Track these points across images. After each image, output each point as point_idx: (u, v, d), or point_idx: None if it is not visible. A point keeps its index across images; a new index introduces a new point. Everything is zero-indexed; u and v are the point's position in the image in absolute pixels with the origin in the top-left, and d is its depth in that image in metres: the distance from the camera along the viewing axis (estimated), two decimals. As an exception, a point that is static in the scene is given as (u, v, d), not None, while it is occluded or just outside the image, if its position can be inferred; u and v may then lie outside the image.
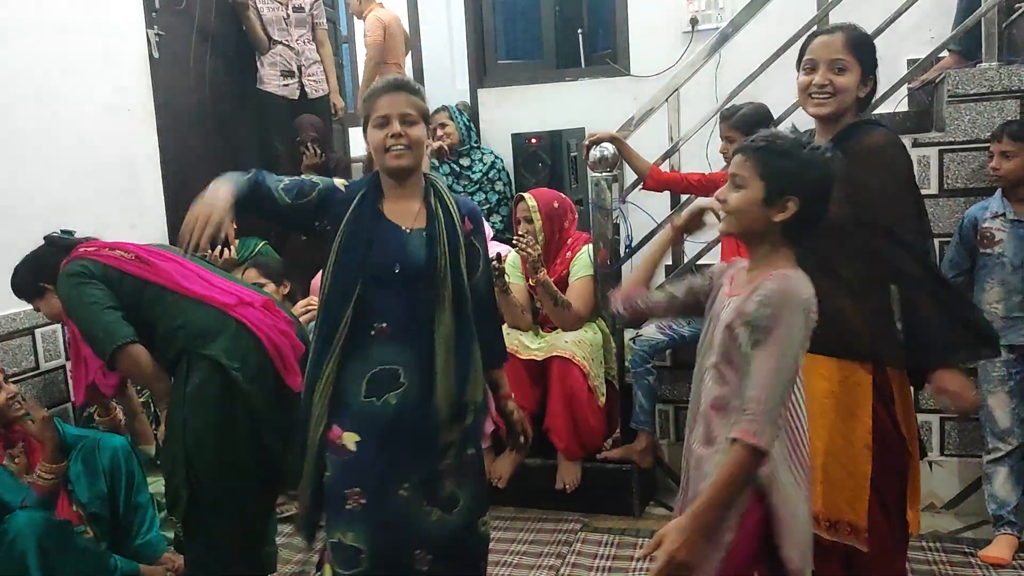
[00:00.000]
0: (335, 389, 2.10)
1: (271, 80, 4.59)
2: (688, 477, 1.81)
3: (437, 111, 4.76)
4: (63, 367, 3.39)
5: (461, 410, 2.14)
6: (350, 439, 2.09)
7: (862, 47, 2.12)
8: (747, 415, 1.61)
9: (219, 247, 2.44)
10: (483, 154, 4.77)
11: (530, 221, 3.53)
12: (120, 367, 2.34)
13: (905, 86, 3.59)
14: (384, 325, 2.10)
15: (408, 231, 2.14)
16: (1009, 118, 3.11)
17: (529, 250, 3.35)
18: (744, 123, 3.17)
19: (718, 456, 1.69)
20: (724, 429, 1.69)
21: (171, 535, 3.41)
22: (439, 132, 4.67)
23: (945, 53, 3.65)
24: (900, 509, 2.12)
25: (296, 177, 2.22)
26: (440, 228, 2.14)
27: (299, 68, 4.64)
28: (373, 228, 2.12)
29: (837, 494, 2.05)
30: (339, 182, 2.20)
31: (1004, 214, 3.02)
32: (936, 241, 3.26)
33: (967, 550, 3.00)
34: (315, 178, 2.21)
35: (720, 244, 3.44)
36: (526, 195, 3.58)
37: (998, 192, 3.07)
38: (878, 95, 3.37)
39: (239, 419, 2.35)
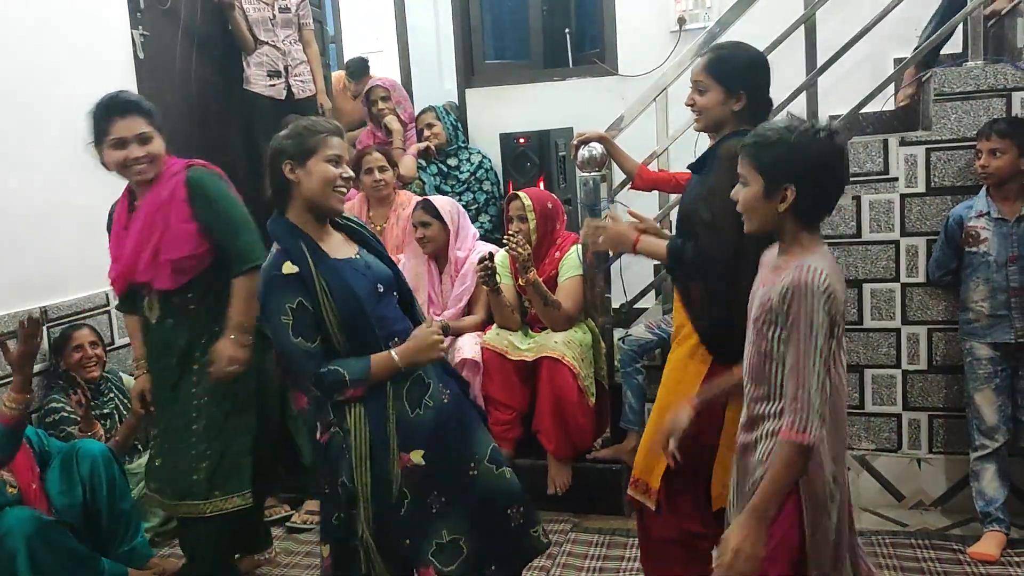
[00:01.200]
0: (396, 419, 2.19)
1: (258, 80, 4.57)
2: (736, 464, 1.92)
3: (424, 111, 4.75)
4: (48, 370, 3.37)
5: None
6: (417, 455, 2.17)
7: (718, 67, 2.29)
8: (789, 413, 1.68)
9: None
10: (471, 154, 4.76)
11: (524, 220, 3.52)
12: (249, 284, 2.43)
13: (891, 85, 3.61)
14: (396, 340, 2.21)
15: (356, 257, 2.26)
16: (995, 116, 3.12)
17: (519, 249, 3.34)
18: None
19: (762, 444, 1.78)
20: (765, 419, 1.79)
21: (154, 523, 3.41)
22: (426, 132, 4.66)
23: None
24: (704, 481, 2.32)
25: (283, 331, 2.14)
26: (367, 236, 2.34)
27: (286, 68, 4.62)
28: (341, 275, 2.17)
29: (645, 455, 2.37)
30: (287, 269, 2.12)
31: (988, 213, 3.03)
32: (923, 240, 3.28)
33: (955, 547, 3.02)
34: (284, 298, 2.12)
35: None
36: (521, 194, 3.58)
37: (983, 191, 3.08)
38: (868, 93, 3.43)
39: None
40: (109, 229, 2.73)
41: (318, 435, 2.21)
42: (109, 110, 2.56)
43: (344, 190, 2.21)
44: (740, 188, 1.81)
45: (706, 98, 2.30)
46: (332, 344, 2.14)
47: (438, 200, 3.76)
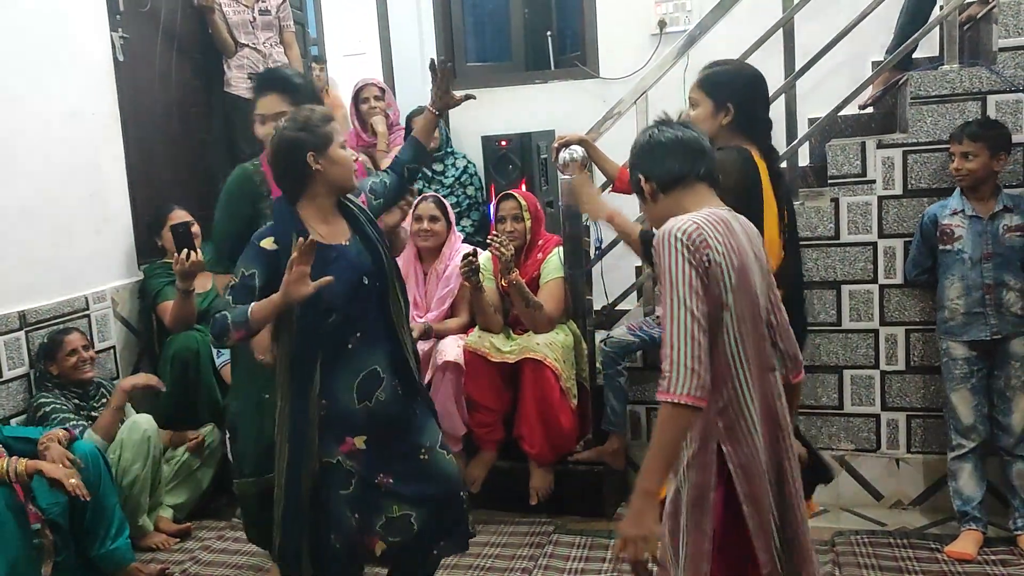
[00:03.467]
0: (327, 409, 2.27)
1: (238, 83, 4.54)
2: None
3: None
4: (27, 375, 3.34)
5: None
6: (360, 440, 2.30)
7: (708, 83, 2.45)
8: (662, 372, 1.61)
9: (185, 251, 2.44)
10: (456, 159, 4.76)
11: (518, 220, 3.54)
12: None
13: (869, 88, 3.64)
14: (359, 334, 2.29)
15: (347, 243, 2.31)
16: (970, 119, 3.15)
17: (503, 250, 3.35)
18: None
19: None
20: None
21: (170, 514, 3.45)
22: None
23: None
24: None
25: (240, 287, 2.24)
26: (367, 228, 2.35)
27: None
28: (324, 259, 2.21)
29: None
30: (266, 244, 2.24)
31: (963, 211, 3.06)
32: (901, 241, 3.31)
33: (933, 546, 3.04)
34: (246, 265, 2.25)
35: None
36: (515, 194, 3.59)
37: (957, 190, 3.11)
38: (843, 96, 3.46)
39: None
40: None
41: None
42: (258, 87, 2.68)
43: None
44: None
45: (696, 111, 2.43)
46: (285, 321, 2.23)
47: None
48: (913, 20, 3.60)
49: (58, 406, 3.21)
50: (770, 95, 3.47)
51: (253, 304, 2.17)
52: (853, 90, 3.50)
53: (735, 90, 2.42)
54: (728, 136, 2.38)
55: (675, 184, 1.82)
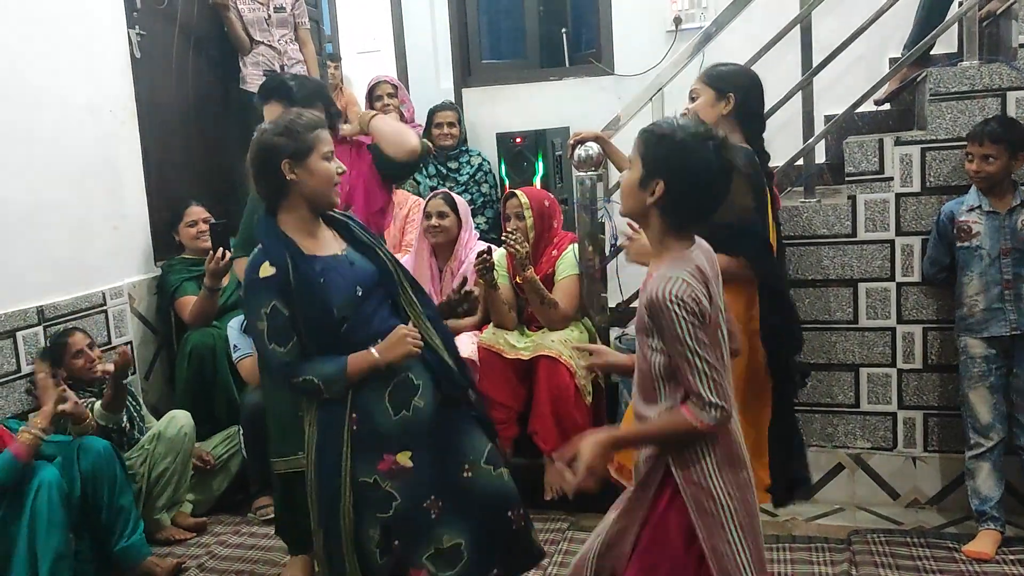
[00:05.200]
0: (359, 424, 2.14)
1: (253, 80, 4.56)
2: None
3: (446, 108, 4.72)
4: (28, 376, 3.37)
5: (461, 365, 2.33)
6: (404, 457, 2.15)
7: (711, 76, 2.60)
8: (691, 400, 1.72)
9: (221, 250, 2.45)
10: (471, 156, 4.76)
11: (521, 218, 3.53)
12: None
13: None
14: (380, 340, 2.14)
15: (342, 254, 2.21)
16: (989, 117, 3.12)
17: (518, 247, 3.35)
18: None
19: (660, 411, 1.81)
20: (664, 396, 1.80)
21: (189, 508, 3.50)
22: (445, 130, 4.65)
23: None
24: None
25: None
26: (359, 235, 2.26)
27: (281, 68, 4.62)
28: (321, 275, 2.13)
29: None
30: (264, 272, 2.10)
31: (980, 207, 3.04)
32: (919, 239, 3.29)
33: (951, 545, 3.03)
34: (261, 303, 2.11)
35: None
36: (518, 192, 3.59)
37: (973, 186, 3.09)
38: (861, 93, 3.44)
39: None
40: None
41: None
42: (262, 95, 2.67)
43: (338, 184, 2.22)
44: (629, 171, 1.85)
45: (698, 102, 2.54)
46: (305, 345, 2.12)
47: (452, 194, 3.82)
48: (930, 15, 3.58)
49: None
50: (787, 92, 3.51)
51: (348, 360, 2.09)
52: (871, 87, 3.48)
53: (736, 84, 2.58)
54: (725, 129, 2.34)
55: (679, 221, 1.78)
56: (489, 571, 2.21)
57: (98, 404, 3.16)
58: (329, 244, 2.22)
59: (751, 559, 1.77)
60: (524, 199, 3.54)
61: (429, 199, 3.77)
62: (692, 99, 2.62)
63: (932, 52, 3.63)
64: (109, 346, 3.63)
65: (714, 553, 1.75)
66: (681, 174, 1.73)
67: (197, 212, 3.91)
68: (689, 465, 1.76)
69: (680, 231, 1.78)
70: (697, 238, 1.83)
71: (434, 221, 3.68)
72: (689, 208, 1.77)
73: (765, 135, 2.98)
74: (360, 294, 2.17)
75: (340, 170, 2.20)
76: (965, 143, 3.11)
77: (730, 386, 1.77)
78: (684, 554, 1.77)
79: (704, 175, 1.74)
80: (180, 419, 3.38)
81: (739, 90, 2.56)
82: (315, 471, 2.16)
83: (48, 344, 3.33)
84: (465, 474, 2.20)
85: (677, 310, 1.69)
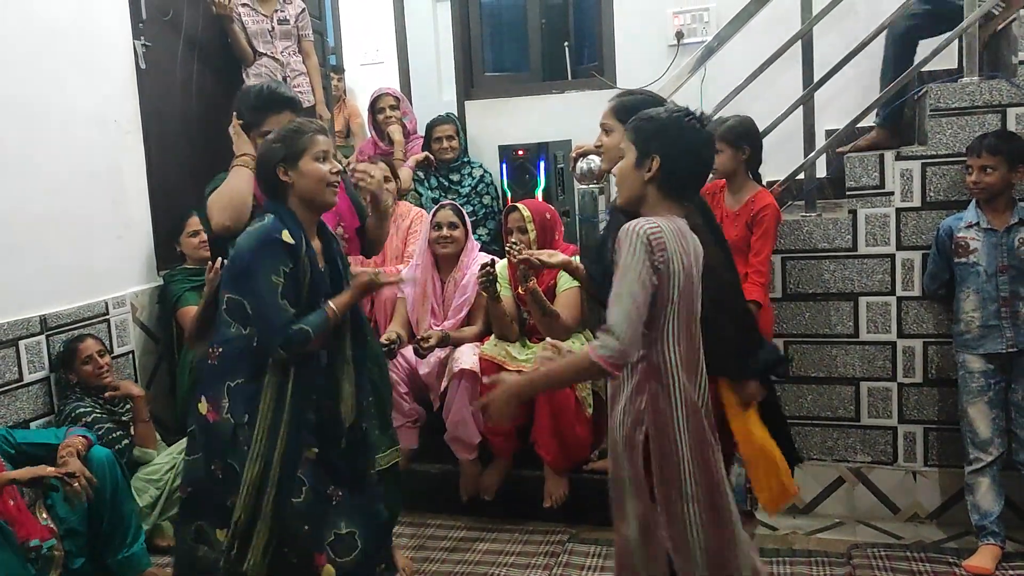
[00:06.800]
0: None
1: (257, 91, 4.59)
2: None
3: (444, 122, 4.74)
4: (47, 379, 3.37)
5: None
6: (311, 452, 2.30)
7: (622, 112, 2.38)
8: (599, 334, 1.81)
9: (220, 260, 2.47)
10: (473, 168, 4.78)
11: (523, 231, 3.54)
12: None
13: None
14: (326, 352, 2.34)
15: (322, 268, 2.35)
16: (988, 132, 3.14)
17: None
18: (730, 134, 3.19)
19: (618, 409, 1.97)
20: (620, 390, 1.98)
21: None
22: (444, 144, 4.67)
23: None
24: None
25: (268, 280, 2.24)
26: (339, 260, 2.42)
27: (284, 79, 4.64)
28: (320, 274, 2.33)
29: None
30: (286, 238, 2.25)
31: (978, 223, 3.05)
32: (919, 254, 3.31)
33: (951, 560, 3.02)
34: (280, 262, 2.25)
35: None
36: (519, 205, 3.60)
37: (972, 202, 3.10)
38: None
39: None
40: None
41: (206, 412, 2.30)
42: (272, 104, 2.63)
43: (335, 184, 2.32)
44: (620, 160, 2.00)
45: (609, 138, 2.42)
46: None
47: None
48: (894, 74, 3.60)
49: (98, 416, 3.25)
50: (788, 106, 3.53)
51: (326, 312, 2.26)
52: (871, 102, 3.50)
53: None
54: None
55: (676, 191, 1.94)
56: (378, 564, 2.41)
57: (138, 448, 3.36)
58: (321, 254, 2.38)
59: (706, 546, 1.93)
60: (526, 212, 3.55)
61: (437, 210, 3.77)
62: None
63: (932, 69, 3.65)
64: (112, 355, 3.63)
65: (671, 520, 1.92)
66: (673, 147, 1.91)
67: (196, 223, 3.93)
68: (665, 456, 1.91)
69: (675, 200, 1.94)
70: (692, 232, 1.95)
71: (444, 232, 3.69)
72: (683, 175, 1.94)
73: (765, 147, 3.02)
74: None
75: (335, 170, 2.32)
76: (965, 158, 3.13)
77: (676, 372, 1.89)
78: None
79: (693, 143, 1.93)
80: None
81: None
82: (281, 445, 2.25)
83: (60, 349, 3.37)
84: (372, 472, 2.45)
85: (635, 240, 1.82)
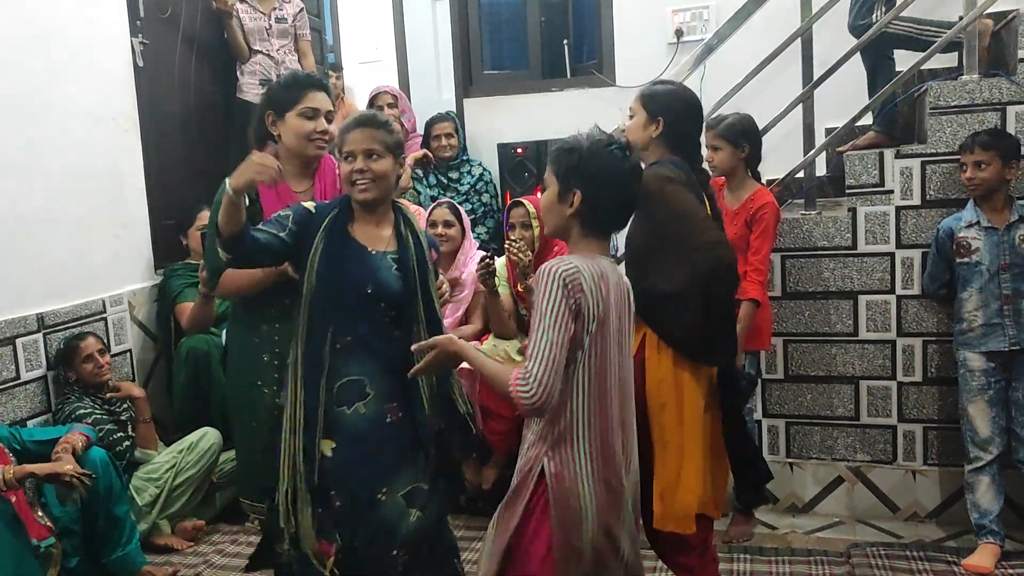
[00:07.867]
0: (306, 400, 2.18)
1: (250, 89, 4.56)
2: None
3: (443, 120, 4.72)
4: (45, 377, 3.37)
5: (436, 419, 2.31)
6: (327, 445, 2.19)
7: (644, 97, 2.47)
8: (522, 368, 1.75)
9: None
10: (472, 166, 4.77)
11: (527, 227, 3.53)
12: None
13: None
14: (349, 339, 2.20)
15: (375, 252, 2.23)
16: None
17: (521, 255, 3.35)
18: (730, 132, 3.19)
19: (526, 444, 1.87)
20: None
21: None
22: (443, 141, 4.66)
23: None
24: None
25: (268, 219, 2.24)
26: (411, 253, 2.25)
27: (278, 77, 4.62)
28: (341, 249, 2.20)
29: None
30: (308, 205, 2.25)
31: (978, 222, 3.05)
32: (919, 252, 3.30)
33: (950, 559, 3.02)
34: (283, 211, 2.23)
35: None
36: (524, 201, 3.59)
37: (970, 202, 3.10)
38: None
39: None
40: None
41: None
42: (310, 83, 2.52)
43: (364, 182, 2.19)
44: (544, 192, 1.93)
45: (630, 123, 2.46)
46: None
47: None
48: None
49: (99, 416, 3.25)
50: (787, 105, 3.52)
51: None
52: (871, 100, 3.49)
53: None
54: (657, 150, 2.42)
55: (600, 227, 1.88)
56: None
57: (140, 449, 3.37)
58: (375, 239, 2.25)
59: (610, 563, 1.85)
60: (531, 208, 3.55)
61: (433, 208, 3.78)
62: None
63: (932, 67, 3.64)
64: (108, 354, 3.62)
65: (563, 547, 1.80)
66: (595, 180, 1.84)
67: (206, 217, 3.91)
68: (563, 466, 1.81)
69: (598, 237, 1.88)
70: (615, 266, 1.91)
71: (440, 230, 3.69)
72: (607, 210, 1.87)
73: (765, 145, 3.00)
74: (368, 292, 2.19)
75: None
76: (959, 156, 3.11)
77: (586, 410, 1.81)
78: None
79: (615, 176, 1.85)
80: (212, 436, 3.53)
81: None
82: (300, 391, 2.19)
83: (60, 346, 3.36)
84: (380, 496, 2.20)
85: (551, 283, 1.75)
